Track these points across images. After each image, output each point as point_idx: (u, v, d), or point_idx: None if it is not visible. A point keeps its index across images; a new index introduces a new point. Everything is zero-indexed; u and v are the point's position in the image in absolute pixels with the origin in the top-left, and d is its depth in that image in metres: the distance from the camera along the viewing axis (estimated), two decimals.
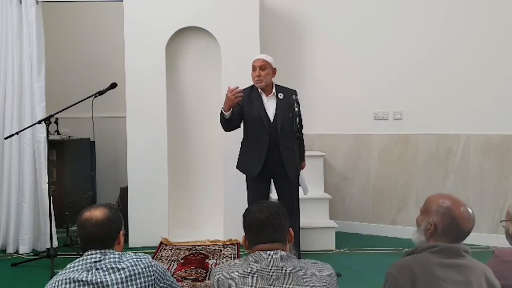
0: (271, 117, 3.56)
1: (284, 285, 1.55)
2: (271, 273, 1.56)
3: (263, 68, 3.56)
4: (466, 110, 4.34)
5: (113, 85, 3.85)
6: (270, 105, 3.58)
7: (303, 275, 1.56)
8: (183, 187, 4.56)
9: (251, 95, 3.62)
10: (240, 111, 3.57)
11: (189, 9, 4.30)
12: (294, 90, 3.64)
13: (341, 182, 4.82)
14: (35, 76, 4.12)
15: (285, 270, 1.56)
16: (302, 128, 3.48)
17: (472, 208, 1.72)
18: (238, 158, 3.76)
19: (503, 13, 4.25)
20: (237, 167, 3.76)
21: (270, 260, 1.58)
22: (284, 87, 3.69)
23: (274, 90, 3.62)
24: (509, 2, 4.23)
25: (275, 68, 3.65)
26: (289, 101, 3.50)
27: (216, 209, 4.40)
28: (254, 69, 3.59)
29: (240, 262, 1.65)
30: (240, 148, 3.75)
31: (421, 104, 4.49)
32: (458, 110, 4.37)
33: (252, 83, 3.64)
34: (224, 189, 4.28)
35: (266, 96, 3.60)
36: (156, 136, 4.28)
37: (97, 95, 3.78)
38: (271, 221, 1.66)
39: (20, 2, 4.12)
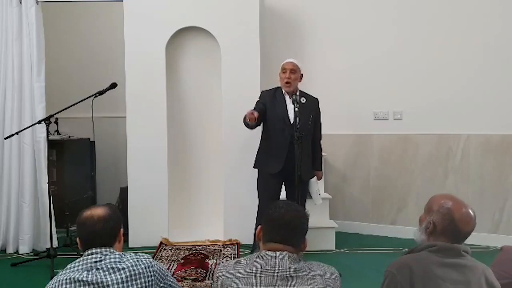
0: (292, 119, 3.53)
1: (288, 287, 1.54)
2: (275, 274, 1.55)
3: (293, 72, 3.54)
4: (466, 110, 4.35)
5: (113, 85, 3.84)
6: (291, 108, 3.53)
7: (306, 275, 1.56)
8: (183, 187, 4.56)
9: (275, 96, 3.61)
10: (264, 110, 3.57)
11: (189, 9, 4.30)
12: (317, 98, 3.67)
13: (341, 182, 4.81)
14: (35, 76, 4.12)
15: (290, 271, 1.55)
16: (321, 137, 3.64)
17: (472, 208, 1.72)
18: (256, 157, 3.72)
19: (503, 14, 4.25)
20: (254, 166, 3.72)
21: (275, 261, 1.57)
22: (308, 93, 3.68)
23: (298, 94, 3.60)
24: (509, 3, 4.23)
25: (302, 74, 3.64)
26: (310, 107, 3.53)
27: (216, 209, 4.40)
28: (284, 71, 3.55)
29: (244, 261, 1.62)
30: (259, 147, 3.73)
31: (421, 104, 4.49)
32: (458, 110, 4.37)
33: (278, 85, 3.66)
34: (224, 189, 4.28)
35: (290, 98, 3.57)
36: (156, 136, 4.28)
37: (97, 95, 3.77)
38: (293, 224, 1.63)
39: (20, 2, 4.12)
